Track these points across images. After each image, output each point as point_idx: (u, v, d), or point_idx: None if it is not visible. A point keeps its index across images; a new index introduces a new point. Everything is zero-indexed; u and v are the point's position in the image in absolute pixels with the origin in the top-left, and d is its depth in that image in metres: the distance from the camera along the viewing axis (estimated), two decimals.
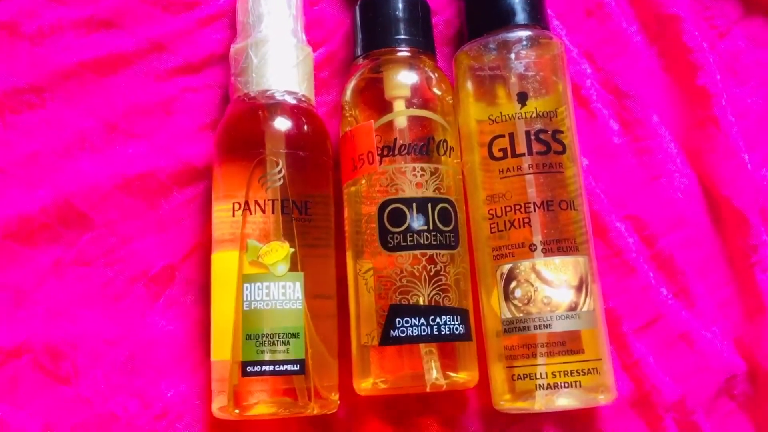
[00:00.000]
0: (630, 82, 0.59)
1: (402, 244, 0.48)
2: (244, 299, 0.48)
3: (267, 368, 0.47)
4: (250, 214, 0.49)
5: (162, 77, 0.56)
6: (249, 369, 0.47)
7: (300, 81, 0.52)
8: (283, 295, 0.48)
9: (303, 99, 0.52)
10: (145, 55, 0.57)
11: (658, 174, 0.57)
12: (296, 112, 0.51)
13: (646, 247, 0.56)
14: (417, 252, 0.48)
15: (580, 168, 0.52)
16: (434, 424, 0.53)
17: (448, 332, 0.48)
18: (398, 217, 0.49)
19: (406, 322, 0.47)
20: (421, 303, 0.48)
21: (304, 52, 0.53)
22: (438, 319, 0.48)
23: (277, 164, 0.49)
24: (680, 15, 0.58)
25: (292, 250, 0.48)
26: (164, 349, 0.53)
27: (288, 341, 0.47)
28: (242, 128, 0.51)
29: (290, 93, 0.51)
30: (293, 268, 0.48)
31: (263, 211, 0.48)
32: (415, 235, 0.48)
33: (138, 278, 0.54)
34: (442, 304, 0.48)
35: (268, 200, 0.49)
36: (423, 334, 0.47)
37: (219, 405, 0.49)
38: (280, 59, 0.51)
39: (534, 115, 0.50)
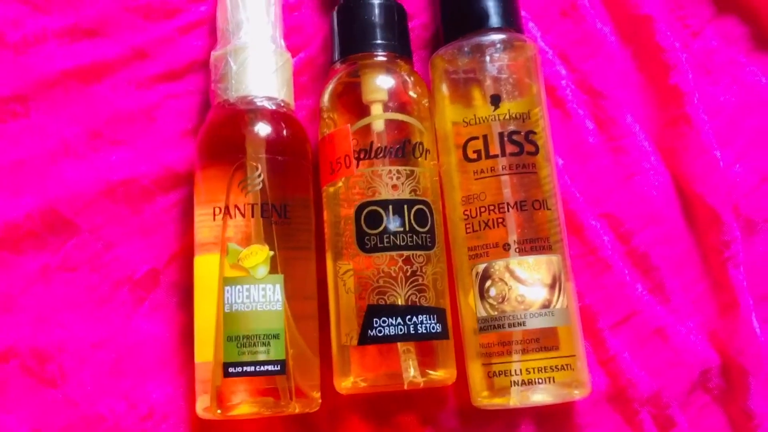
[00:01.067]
0: (604, 82, 0.59)
1: (379, 245, 0.49)
2: (225, 302, 0.49)
3: (248, 369, 0.48)
4: (231, 218, 0.50)
5: (144, 84, 0.57)
6: (231, 370, 0.48)
7: (279, 86, 0.53)
8: (263, 297, 0.49)
9: (282, 104, 0.53)
10: (128, 62, 0.57)
11: (632, 172, 0.58)
12: (275, 117, 0.52)
13: (622, 244, 0.57)
14: (393, 253, 0.49)
15: (555, 168, 0.53)
16: (414, 422, 0.54)
17: (424, 331, 0.49)
18: (375, 219, 0.50)
19: (384, 321, 0.48)
20: (399, 303, 0.49)
21: (283, 57, 0.53)
22: (415, 319, 0.49)
23: (257, 169, 0.50)
24: (653, 15, 0.59)
25: (272, 253, 0.49)
26: (150, 352, 0.54)
27: (269, 342, 0.48)
28: (222, 134, 0.52)
29: (269, 99, 0.52)
30: (273, 270, 0.49)
31: (243, 215, 0.49)
32: (392, 237, 0.49)
33: (123, 282, 0.55)
34: (418, 304, 0.49)
35: (248, 204, 0.50)
36: (400, 333, 0.48)
37: (203, 405, 0.50)
38: (259, 65, 0.52)
39: (507, 116, 0.51)
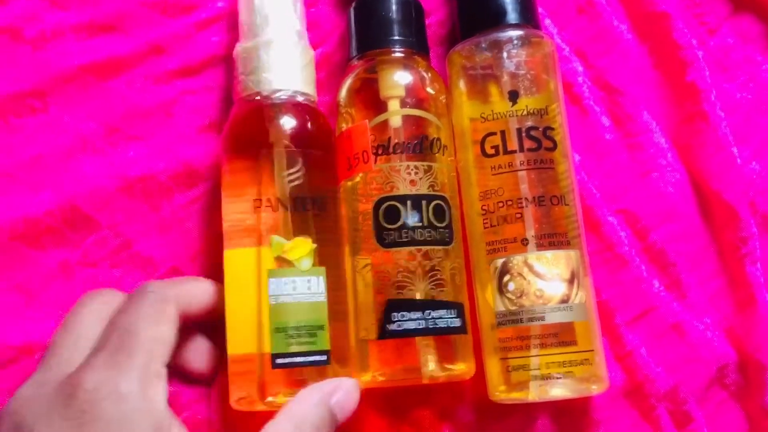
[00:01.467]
0: (621, 78, 0.59)
1: (398, 240, 0.49)
2: (271, 293, 0.49)
3: (297, 360, 0.48)
4: (273, 211, 0.50)
5: (161, 80, 0.57)
6: (279, 361, 0.48)
7: (308, 81, 0.53)
8: (308, 288, 0.49)
9: (311, 99, 0.53)
10: (145, 58, 0.58)
11: (649, 169, 0.58)
12: (307, 111, 0.52)
13: (638, 240, 0.57)
14: (412, 248, 0.49)
15: (572, 164, 0.53)
16: (432, 417, 0.54)
17: (444, 325, 0.49)
18: (393, 214, 0.50)
19: (403, 316, 0.48)
20: (418, 297, 0.49)
21: (310, 53, 0.54)
22: (434, 313, 0.49)
23: (298, 162, 0.50)
24: (669, 13, 0.59)
25: (315, 245, 0.49)
26: None
27: (315, 333, 0.48)
28: (253, 127, 0.52)
29: (300, 93, 0.52)
30: (315, 263, 0.49)
31: (285, 208, 0.50)
32: (410, 232, 0.49)
33: (144, 280, 0.55)
34: (437, 299, 0.49)
35: (289, 198, 0.50)
36: (419, 327, 0.48)
37: (239, 396, 0.49)
38: (289, 59, 0.52)
39: (525, 112, 0.52)
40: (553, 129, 0.52)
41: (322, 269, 0.49)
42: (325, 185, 0.52)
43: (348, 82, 0.54)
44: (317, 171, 0.51)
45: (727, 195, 0.57)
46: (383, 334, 0.49)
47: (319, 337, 0.48)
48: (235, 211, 0.51)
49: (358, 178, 0.51)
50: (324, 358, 0.48)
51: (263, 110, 0.52)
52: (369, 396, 0.53)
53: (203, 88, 0.58)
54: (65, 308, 0.53)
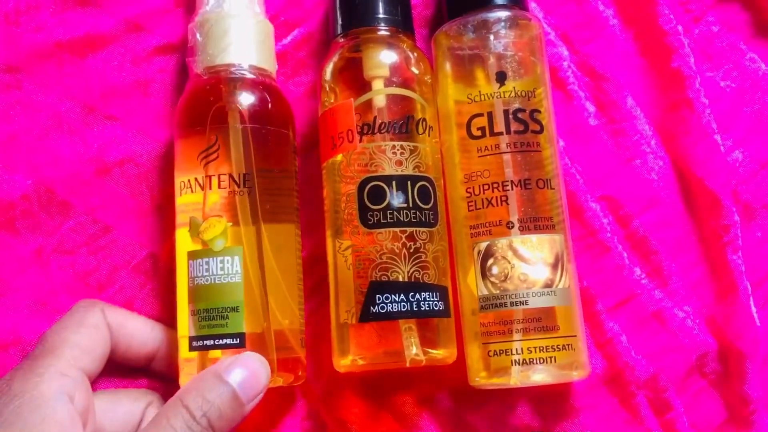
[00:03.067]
0: (606, 64, 0.59)
1: (382, 221, 0.49)
2: (189, 275, 0.49)
3: (208, 342, 0.47)
4: (191, 191, 0.49)
5: (139, 58, 0.56)
6: (194, 344, 0.48)
7: (257, 54, 0.51)
8: (221, 270, 0.48)
9: (259, 72, 0.51)
10: (122, 35, 0.56)
11: (632, 155, 0.58)
12: (246, 84, 0.51)
13: (621, 227, 0.57)
14: (397, 229, 0.49)
15: (557, 148, 0.53)
16: (410, 402, 0.54)
17: (427, 308, 0.48)
18: (378, 195, 0.49)
19: (386, 298, 0.48)
20: (401, 280, 0.48)
21: (268, 27, 0.53)
22: (418, 296, 0.48)
23: (213, 140, 0.49)
24: None
25: (229, 224, 0.48)
26: None
27: (227, 315, 0.47)
28: (190, 105, 0.51)
29: (245, 67, 0.51)
30: (234, 242, 0.48)
31: (201, 188, 0.49)
32: (395, 213, 0.49)
33: (122, 267, 0.54)
34: (421, 281, 0.48)
35: (206, 176, 0.49)
36: (403, 310, 0.48)
37: (185, 380, 0.49)
38: (235, 33, 0.51)
39: (512, 94, 0.51)
40: (540, 112, 0.51)
41: (238, 249, 0.48)
42: (263, 161, 0.50)
43: (332, 62, 0.53)
44: (250, 147, 0.49)
45: (710, 183, 0.56)
46: (365, 316, 0.48)
47: (231, 319, 0.47)
48: (178, 190, 0.51)
49: (340, 158, 0.50)
50: (236, 341, 0.47)
51: (199, 88, 0.51)
52: (348, 380, 0.53)
53: (181, 67, 0.56)
54: (39, 298, 0.51)
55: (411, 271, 0.48)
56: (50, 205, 0.54)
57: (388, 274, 0.48)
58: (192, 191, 0.49)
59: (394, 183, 0.49)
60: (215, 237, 0.48)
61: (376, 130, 0.50)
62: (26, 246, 0.53)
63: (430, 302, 0.48)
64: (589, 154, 0.58)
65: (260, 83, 0.51)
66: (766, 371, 0.55)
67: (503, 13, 0.52)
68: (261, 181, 0.49)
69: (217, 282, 0.48)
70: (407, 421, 0.54)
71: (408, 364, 0.48)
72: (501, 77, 0.51)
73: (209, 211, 0.49)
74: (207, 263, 0.48)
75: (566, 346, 0.49)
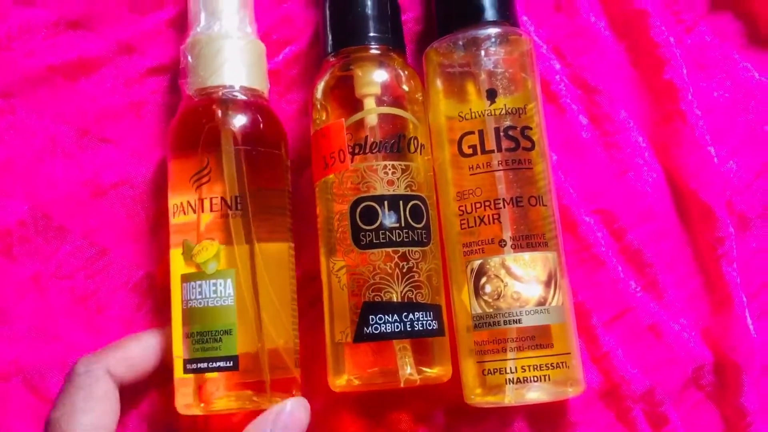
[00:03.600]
0: (599, 77, 0.59)
1: (374, 241, 0.49)
2: (183, 298, 0.49)
3: (202, 365, 0.48)
4: (184, 214, 0.49)
5: (132, 80, 0.56)
6: (188, 366, 0.48)
7: (248, 75, 0.51)
8: (214, 293, 0.48)
9: (252, 94, 0.51)
10: (114, 57, 0.56)
11: (626, 168, 0.58)
12: (238, 105, 0.51)
13: (615, 240, 0.57)
14: (389, 249, 0.49)
15: (550, 164, 0.53)
16: (407, 420, 0.54)
17: (421, 328, 0.48)
18: (370, 215, 0.49)
19: (380, 318, 0.48)
20: (395, 300, 0.48)
21: (259, 47, 0.53)
22: (411, 316, 0.48)
23: (205, 162, 0.49)
24: (648, 10, 0.58)
25: (222, 247, 0.48)
26: None
27: (220, 338, 0.48)
28: (182, 127, 0.51)
29: (237, 89, 0.51)
30: (230, 264, 0.48)
31: (194, 210, 0.49)
32: (388, 233, 0.49)
33: (119, 289, 0.54)
34: (415, 301, 0.48)
35: (199, 199, 0.49)
36: (396, 330, 0.48)
37: (183, 402, 0.49)
38: (227, 54, 0.51)
39: (503, 111, 0.51)
40: (531, 128, 0.51)
41: (231, 271, 0.48)
42: (257, 183, 0.50)
43: (323, 81, 0.53)
44: (243, 168, 0.49)
45: (703, 194, 0.56)
46: (360, 337, 0.48)
47: (224, 342, 0.48)
48: (171, 211, 0.51)
49: (332, 177, 0.50)
50: (230, 364, 0.48)
51: (191, 109, 0.51)
52: (344, 399, 0.53)
53: (174, 88, 0.56)
54: (39, 324, 0.52)
55: (404, 290, 0.48)
56: (47, 230, 0.54)
57: (382, 294, 0.48)
58: (185, 213, 0.49)
59: (386, 203, 0.49)
60: (208, 260, 0.48)
61: (367, 150, 0.50)
62: (24, 272, 0.53)
63: (424, 321, 0.48)
64: (582, 167, 0.58)
65: (252, 104, 0.51)
66: (762, 383, 0.55)
67: (493, 30, 0.52)
68: (254, 201, 0.49)
69: (210, 305, 0.48)
70: None
71: (402, 384, 0.48)
72: (491, 94, 0.51)
73: (202, 234, 0.49)
74: (200, 286, 0.48)
75: (560, 364, 0.49)
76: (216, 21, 0.51)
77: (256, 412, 0.48)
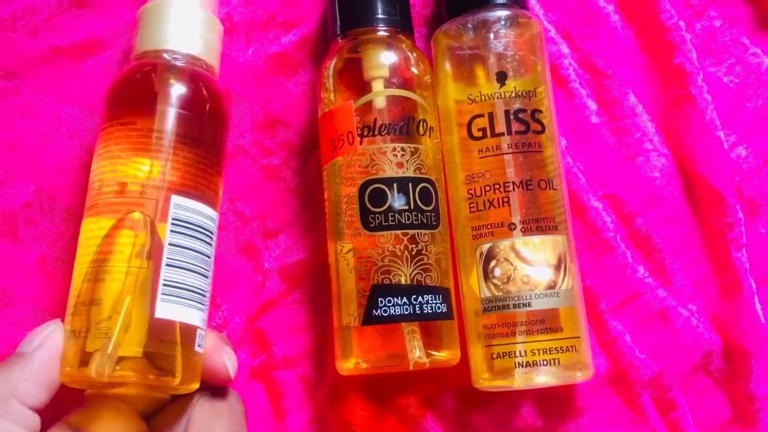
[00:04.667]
0: (607, 61, 0.59)
1: (383, 224, 0.48)
2: None
3: None
4: None
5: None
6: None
7: (207, 49, 0.49)
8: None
9: (206, 66, 0.50)
10: (119, 37, 0.56)
11: (635, 153, 0.58)
12: (199, 76, 0.48)
13: (624, 225, 0.57)
14: (398, 232, 0.48)
15: (559, 148, 0.53)
16: (415, 403, 0.53)
17: (430, 311, 0.48)
18: (379, 197, 0.49)
19: (389, 301, 0.47)
20: (403, 282, 0.48)
21: (212, 21, 0.51)
22: (420, 298, 0.48)
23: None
24: None
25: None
26: None
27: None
28: (137, 85, 0.48)
29: (177, 53, 0.48)
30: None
31: None
32: (397, 215, 0.48)
33: None
34: (424, 284, 0.48)
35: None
36: (405, 313, 0.47)
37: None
38: (188, 22, 0.49)
39: (513, 94, 0.51)
40: (541, 112, 0.51)
41: None
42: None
43: (331, 63, 0.52)
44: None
45: (713, 180, 0.56)
46: (368, 319, 0.48)
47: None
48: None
49: (341, 160, 0.50)
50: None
51: (135, 70, 0.48)
52: (352, 383, 0.53)
53: None
54: (44, 308, 0.51)
55: (413, 273, 0.48)
56: (53, 212, 0.53)
57: (391, 276, 0.48)
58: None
59: (395, 185, 0.49)
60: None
61: (376, 132, 0.49)
62: (30, 255, 0.53)
63: (433, 304, 0.48)
64: (590, 152, 0.58)
65: (192, 72, 0.49)
66: None
67: (503, 12, 0.52)
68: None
69: None
70: (412, 422, 0.53)
71: (411, 368, 0.48)
72: (501, 77, 0.51)
73: None
74: None
75: (570, 348, 0.48)
76: None
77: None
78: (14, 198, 0.53)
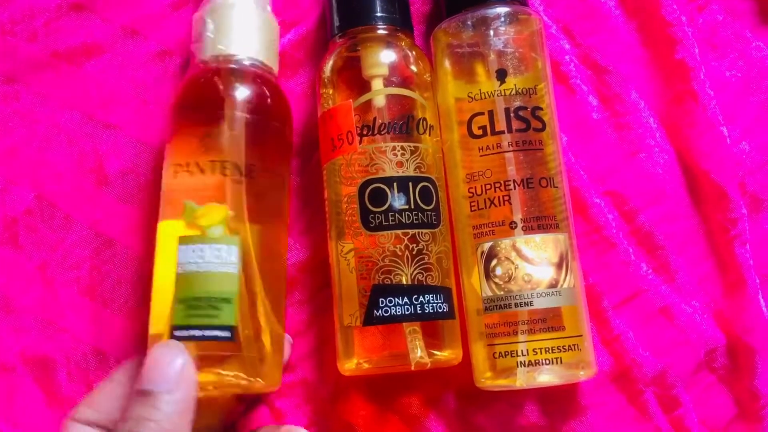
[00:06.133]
0: (609, 57, 0.58)
1: (384, 223, 0.48)
2: (179, 262, 0.45)
3: (195, 333, 0.44)
4: (190, 175, 0.46)
5: (137, 64, 0.55)
6: (177, 333, 0.44)
7: (260, 48, 0.50)
8: (217, 258, 0.45)
9: (261, 66, 0.50)
10: (119, 41, 0.56)
11: (637, 149, 0.57)
12: (249, 76, 0.49)
13: (626, 222, 0.56)
14: (399, 231, 0.48)
15: (560, 145, 0.52)
16: (416, 402, 0.53)
17: (431, 311, 0.48)
18: (379, 197, 0.48)
19: (390, 301, 0.47)
20: (404, 282, 0.48)
21: (273, 24, 0.52)
22: (421, 298, 0.48)
23: (220, 125, 0.47)
24: None
25: (231, 213, 0.46)
26: None
27: (219, 306, 0.44)
28: (194, 92, 0.49)
29: (248, 59, 0.49)
30: (232, 232, 0.46)
31: (202, 172, 0.46)
32: (397, 215, 0.48)
33: (126, 280, 0.53)
34: (425, 283, 0.48)
35: (209, 161, 0.46)
36: (406, 313, 0.47)
37: None
38: (239, 24, 0.50)
39: (513, 92, 0.50)
40: (541, 109, 0.51)
41: (236, 238, 0.46)
42: (262, 154, 0.48)
43: (330, 61, 0.52)
44: (251, 138, 0.48)
45: (716, 175, 0.56)
46: (369, 320, 0.47)
47: (223, 310, 0.44)
48: (166, 178, 0.48)
49: (341, 160, 0.50)
50: (227, 334, 0.44)
51: (202, 75, 0.49)
52: (354, 383, 0.53)
53: (180, 72, 0.56)
54: (45, 316, 0.51)
55: (414, 273, 0.48)
56: (53, 219, 0.53)
57: (391, 276, 0.48)
58: (190, 174, 0.47)
59: (395, 185, 0.49)
60: (213, 223, 0.45)
61: (376, 131, 0.49)
62: (30, 262, 0.53)
63: (434, 304, 0.48)
64: (592, 148, 0.57)
65: (260, 77, 0.50)
66: None
67: (502, 9, 0.51)
68: (260, 175, 0.48)
69: (211, 270, 0.45)
70: (414, 422, 0.53)
71: (413, 368, 0.48)
72: (501, 74, 0.50)
73: (208, 197, 0.46)
74: (201, 249, 0.45)
75: (572, 346, 0.48)
76: None
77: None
78: (15, 204, 0.53)
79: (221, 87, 0.48)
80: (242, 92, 0.49)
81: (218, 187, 0.46)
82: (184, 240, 0.46)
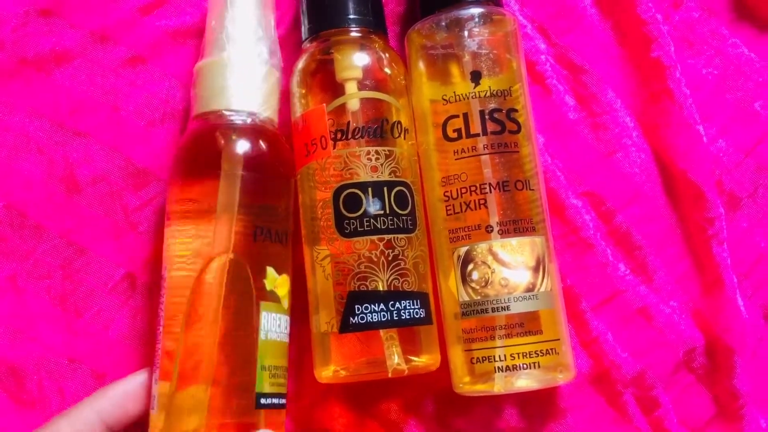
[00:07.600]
0: (585, 56, 0.58)
1: (359, 229, 0.48)
2: (261, 327, 0.46)
3: (275, 401, 0.46)
4: (271, 242, 0.48)
5: (107, 71, 0.54)
6: (263, 401, 0.46)
7: (262, 102, 0.49)
8: (285, 328, 0.48)
9: (263, 120, 0.49)
10: (88, 47, 0.55)
11: (614, 149, 0.57)
12: (264, 134, 0.49)
13: (604, 223, 0.56)
14: (374, 237, 0.48)
15: (536, 146, 0.52)
16: (395, 409, 0.53)
17: (408, 317, 0.47)
18: (354, 202, 0.48)
19: (366, 308, 0.47)
20: (380, 288, 0.47)
21: (274, 76, 0.50)
22: (398, 304, 0.47)
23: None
24: None
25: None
26: (132, 363, 0.52)
27: (285, 375, 0.48)
28: (205, 148, 0.48)
29: (250, 114, 0.48)
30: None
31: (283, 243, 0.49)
32: (372, 220, 0.48)
33: (98, 289, 0.53)
34: (401, 289, 0.48)
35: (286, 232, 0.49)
36: (383, 319, 0.47)
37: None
38: (242, 79, 0.48)
39: (488, 94, 0.50)
40: (516, 111, 0.50)
41: (286, 309, 0.48)
42: (279, 214, 0.49)
43: (302, 65, 0.52)
44: (273, 199, 0.48)
45: (693, 174, 0.55)
46: (345, 327, 0.47)
47: (285, 379, 0.48)
48: (187, 235, 0.47)
49: (315, 165, 0.49)
50: (284, 402, 0.47)
51: (209, 131, 0.48)
52: (332, 390, 0.52)
53: (151, 78, 0.55)
54: (17, 326, 0.50)
55: (390, 279, 0.47)
56: (23, 228, 0.53)
57: (367, 283, 0.47)
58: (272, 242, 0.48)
59: (370, 190, 0.48)
60: (286, 295, 0.48)
61: (350, 136, 0.49)
62: (0, 272, 0.52)
63: (411, 310, 0.48)
64: (569, 149, 0.57)
65: (264, 130, 0.49)
66: (754, 365, 0.55)
67: (476, 10, 0.51)
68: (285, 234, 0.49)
69: (284, 340, 0.48)
70: (394, 428, 0.53)
71: (390, 375, 0.47)
72: (476, 76, 0.50)
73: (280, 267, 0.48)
74: (279, 319, 0.47)
75: (550, 350, 0.48)
76: (234, 46, 0.49)
77: None
78: None
79: (234, 146, 0.48)
80: (259, 153, 0.49)
81: (285, 259, 0.49)
82: (267, 307, 0.47)
